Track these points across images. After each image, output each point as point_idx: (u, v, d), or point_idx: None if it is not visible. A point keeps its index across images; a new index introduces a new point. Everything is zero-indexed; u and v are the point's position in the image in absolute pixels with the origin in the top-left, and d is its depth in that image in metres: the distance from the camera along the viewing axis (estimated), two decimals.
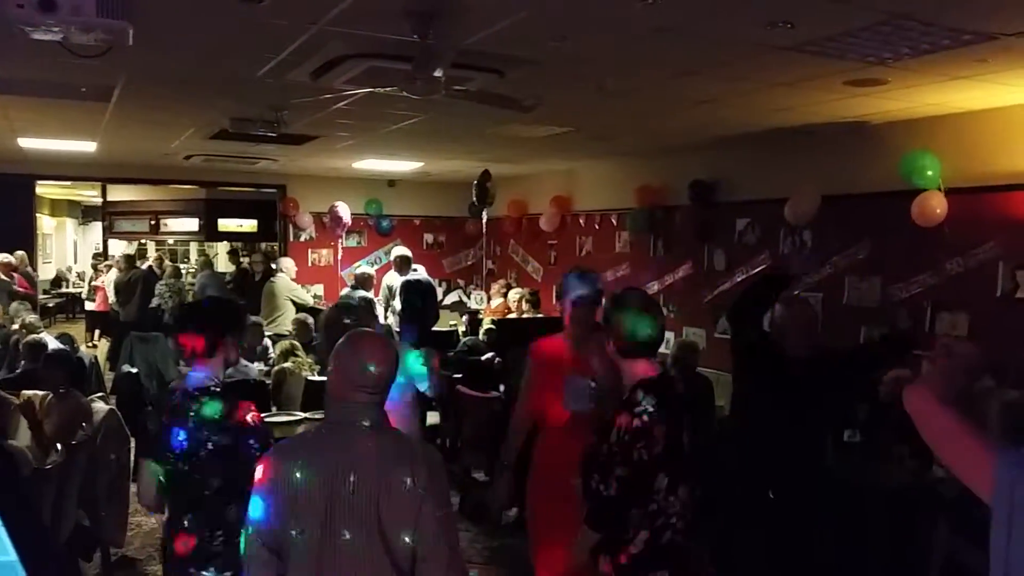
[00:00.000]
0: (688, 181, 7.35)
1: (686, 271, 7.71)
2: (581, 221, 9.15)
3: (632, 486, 2.65)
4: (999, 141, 5.11)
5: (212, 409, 2.61)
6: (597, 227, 8.92)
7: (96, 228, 17.04)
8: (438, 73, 3.47)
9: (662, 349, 7.27)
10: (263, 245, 14.16)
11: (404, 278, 8.44)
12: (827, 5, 3.25)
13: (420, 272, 8.65)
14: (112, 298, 10.80)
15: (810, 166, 6.35)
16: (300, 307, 8.68)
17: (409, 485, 1.99)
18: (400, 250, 8.89)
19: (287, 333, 7.96)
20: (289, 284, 9.02)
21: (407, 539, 1.99)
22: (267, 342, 7.46)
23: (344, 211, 9.86)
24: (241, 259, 12.99)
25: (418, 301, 8.15)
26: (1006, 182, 5.04)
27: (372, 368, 2.07)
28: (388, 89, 3.90)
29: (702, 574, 2.86)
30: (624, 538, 2.69)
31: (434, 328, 8.48)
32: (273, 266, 10.81)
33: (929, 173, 5.31)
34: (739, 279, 7.11)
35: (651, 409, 2.64)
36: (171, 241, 15.72)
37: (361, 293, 8.20)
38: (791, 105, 5.26)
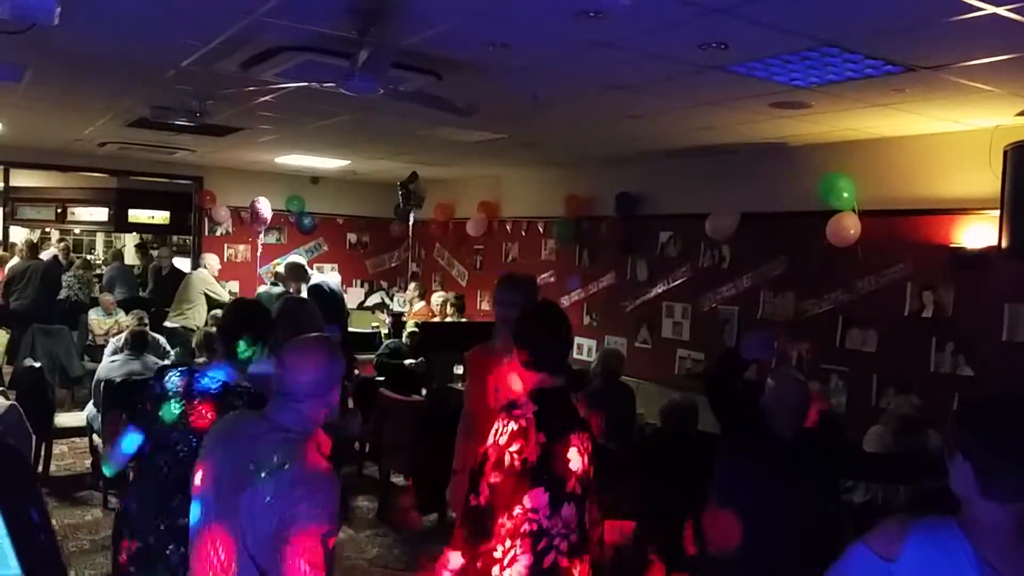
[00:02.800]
0: (614, 193, 7.48)
1: (609, 281, 7.82)
2: (508, 227, 9.18)
3: (504, 494, 2.52)
4: (912, 167, 5.37)
5: None
6: (524, 234, 8.97)
7: None
8: (378, 71, 3.43)
9: (585, 356, 7.40)
10: (174, 238, 13.70)
11: (310, 283, 8.30)
12: (760, 29, 3.35)
13: (324, 275, 8.55)
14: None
15: (731, 184, 6.55)
16: (214, 303, 8.45)
17: (268, 499, 1.92)
18: (291, 259, 8.74)
19: (194, 328, 7.79)
20: (207, 278, 8.77)
21: (251, 547, 1.94)
22: (159, 338, 7.22)
23: (265, 207, 9.61)
24: (150, 252, 12.50)
25: (331, 304, 8.06)
26: (917, 206, 5.31)
27: (290, 375, 2.08)
28: (324, 85, 3.83)
29: None
30: (492, 554, 2.55)
31: (353, 329, 8.37)
32: (176, 261, 10.55)
33: (845, 195, 5.54)
34: (660, 290, 7.27)
35: (530, 415, 2.57)
36: (77, 231, 15.01)
37: (281, 290, 7.99)
38: (717, 124, 5.41)
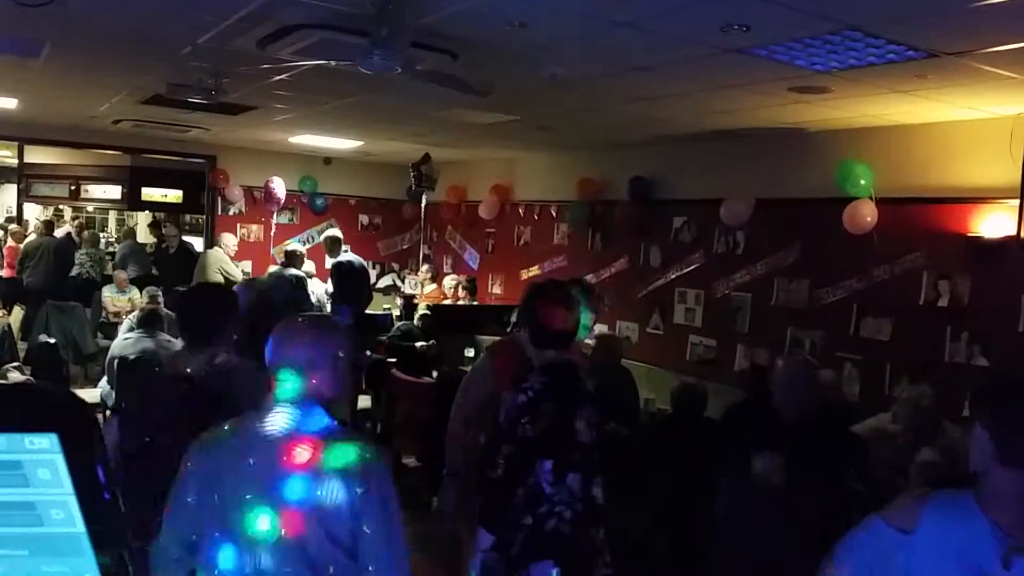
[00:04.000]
0: (628, 177, 7.43)
1: (622, 266, 7.79)
2: (520, 211, 9.15)
3: (518, 464, 2.64)
4: (931, 155, 5.32)
5: None
6: (536, 217, 8.94)
7: (9, 190, 16.21)
8: (397, 50, 3.41)
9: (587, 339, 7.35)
10: (186, 217, 13.73)
11: (335, 260, 8.32)
12: (782, 10, 3.31)
13: (349, 254, 8.55)
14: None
15: (747, 169, 6.50)
16: (229, 284, 8.48)
17: (338, 479, 1.86)
18: (330, 232, 8.77)
19: None
20: (222, 258, 8.81)
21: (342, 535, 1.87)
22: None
23: (279, 187, 9.61)
24: (163, 230, 12.57)
25: (350, 283, 8.07)
26: (935, 195, 5.25)
27: (275, 358, 2.00)
28: (342, 63, 3.81)
29: (595, 568, 2.81)
30: (516, 523, 2.67)
31: (368, 311, 8.40)
32: (185, 239, 10.61)
33: (862, 182, 5.49)
34: (673, 276, 7.24)
35: (538, 387, 2.68)
36: (90, 208, 15.05)
37: (293, 271, 8.02)
38: (735, 108, 5.36)
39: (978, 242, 5.02)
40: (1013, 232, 4.59)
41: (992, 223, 4.96)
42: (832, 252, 5.85)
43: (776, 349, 5.96)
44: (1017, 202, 4.39)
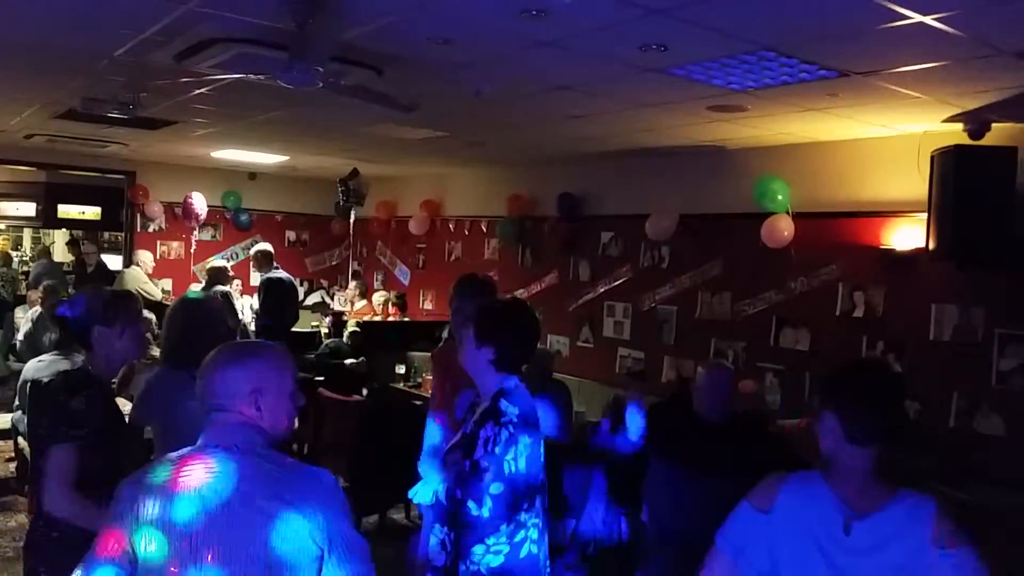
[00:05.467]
0: (557, 193, 7.50)
1: (552, 280, 7.85)
2: (451, 226, 9.13)
3: (510, 503, 2.53)
4: (844, 171, 5.51)
5: None
6: (467, 233, 8.94)
7: None
8: (317, 64, 3.37)
9: None
10: (105, 235, 13.30)
11: (265, 276, 8.15)
12: (698, 31, 3.40)
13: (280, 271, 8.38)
14: None
15: (670, 186, 6.64)
16: (146, 303, 8.21)
17: (293, 520, 1.71)
18: (261, 246, 8.59)
19: None
20: (140, 277, 8.56)
21: None
22: None
23: (199, 203, 9.37)
24: (81, 249, 12.16)
25: (278, 300, 7.92)
26: (849, 209, 5.45)
27: (201, 381, 1.85)
28: (261, 77, 3.74)
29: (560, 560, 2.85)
30: (488, 551, 2.57)
31: (295, 329, 8.25)
32: (108, 258, 10.28)
33: (779, 197, 5.66)
34: (601, 290, 7.32)
35: (515, 420, 2.57)
36: (2, 226, 14.45)
37: (219, 288, 7.82)
38: (656, 126, 5.47)
39: (890, 254, 5.22)
40: (922, 244, 4.78)
41: (903, 236, 5.16)
42: (752, 266, 6.00)
43: (701, 360, 6.07)
44: (925, 215, 4.57)
